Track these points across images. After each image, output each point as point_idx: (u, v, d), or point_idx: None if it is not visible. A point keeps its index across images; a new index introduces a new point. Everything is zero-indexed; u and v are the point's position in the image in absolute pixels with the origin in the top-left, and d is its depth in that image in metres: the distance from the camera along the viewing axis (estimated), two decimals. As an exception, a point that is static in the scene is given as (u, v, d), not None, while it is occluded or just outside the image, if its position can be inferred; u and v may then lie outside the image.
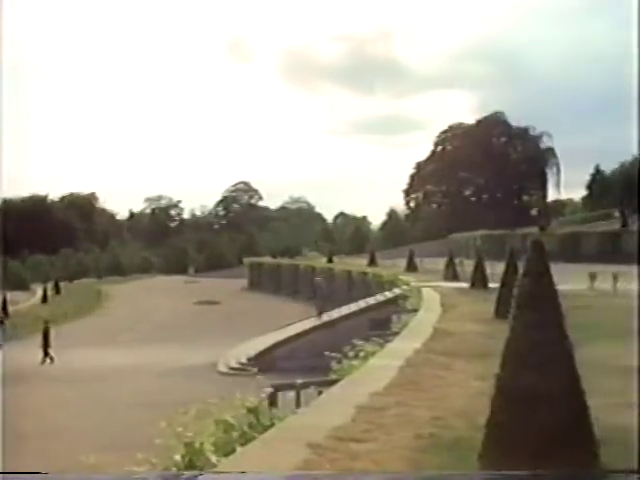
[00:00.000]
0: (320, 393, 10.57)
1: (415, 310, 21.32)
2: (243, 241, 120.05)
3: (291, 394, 13.28)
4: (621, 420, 7.74)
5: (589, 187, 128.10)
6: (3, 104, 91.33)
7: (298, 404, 12.79)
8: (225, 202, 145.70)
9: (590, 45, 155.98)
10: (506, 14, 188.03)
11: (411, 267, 51.31)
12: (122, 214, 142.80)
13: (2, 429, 7.78)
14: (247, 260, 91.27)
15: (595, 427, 5.83)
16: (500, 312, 16.07)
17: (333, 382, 11.00)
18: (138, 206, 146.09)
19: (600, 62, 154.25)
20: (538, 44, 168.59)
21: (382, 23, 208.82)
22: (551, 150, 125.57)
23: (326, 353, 14.09)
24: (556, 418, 5.55)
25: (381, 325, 19.92)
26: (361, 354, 12.68)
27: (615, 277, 28.68)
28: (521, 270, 6.64)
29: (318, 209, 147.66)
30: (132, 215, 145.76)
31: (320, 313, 38.78)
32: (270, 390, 12.16)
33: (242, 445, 7.20)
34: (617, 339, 14.77)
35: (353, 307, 38.88)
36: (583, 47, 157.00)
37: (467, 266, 36.57)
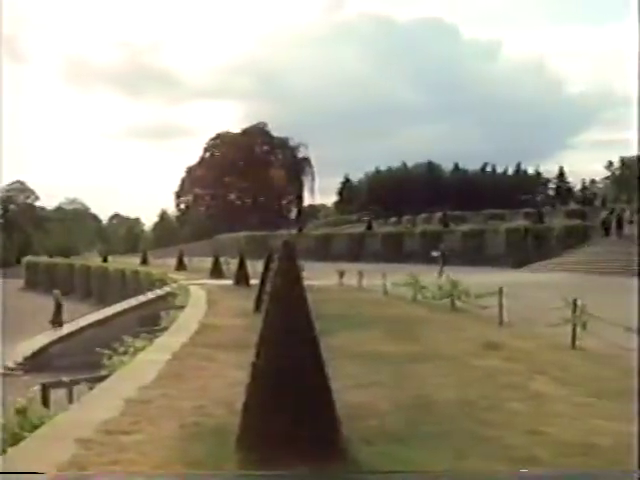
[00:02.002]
0: (91, 389, 10.33)
1: (183, 306, 21.27)
2: (21, 241, 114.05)
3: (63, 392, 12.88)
4: (358, 398, 8.20)
5: (340, 194, 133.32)
6: None
7: (70, 401, 12.44)
8: (1, 202, 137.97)
9: (340, 68, 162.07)
10: (270, 34, 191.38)
11: (180, 266, 51.06)
12: None
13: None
14: (24, 260, 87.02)
15: (337, 405, 6.11)
16: (259, 307, 16.38)
17: (103, 378, 10.78)
18: None
19: (348, 83, 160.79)
20: (298, 64, 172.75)
21: (156, 34, 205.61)
22: (307, 159, 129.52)
23: (97, 350, 13.80)
24: (303, 400, 5.78)
25: (151, 321, 19.65)
26: (130, 350, 12.53)
27: (360, 274, 29.96)
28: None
29: (94, 210, 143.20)
30: None
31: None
32: (38, 389, 11.73)
33: (12, 446, 6.89)
34: (360, 328, 15.48)
35: (125, 305, 38.16)
36: (334, 69, 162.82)
37: (232, 265, 36.92)
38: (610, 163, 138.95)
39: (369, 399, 8.35)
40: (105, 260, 68.94)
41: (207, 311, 19.48)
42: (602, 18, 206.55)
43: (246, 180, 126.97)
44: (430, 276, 24.98)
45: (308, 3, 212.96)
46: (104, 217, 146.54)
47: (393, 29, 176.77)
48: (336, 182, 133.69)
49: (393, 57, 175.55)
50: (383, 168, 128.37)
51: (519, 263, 45.00)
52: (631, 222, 45.78)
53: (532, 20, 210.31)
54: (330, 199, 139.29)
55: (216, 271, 39.85)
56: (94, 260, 72.43)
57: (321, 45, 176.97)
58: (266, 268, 20.16)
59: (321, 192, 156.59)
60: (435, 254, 44.28)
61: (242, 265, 31.47)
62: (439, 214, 67.78)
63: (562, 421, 7.52)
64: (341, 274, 32.21)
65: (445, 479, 5.34)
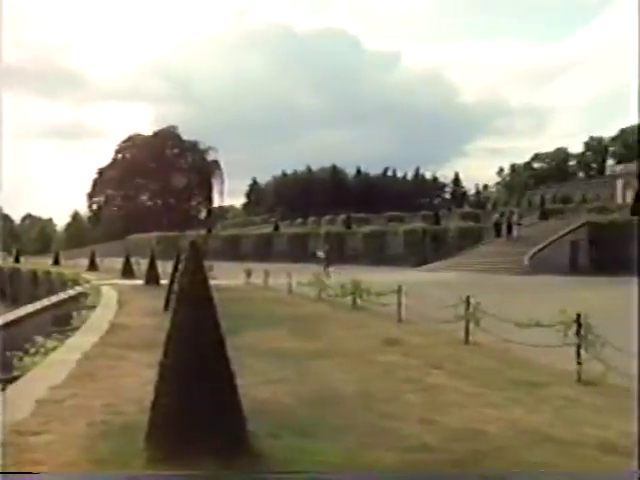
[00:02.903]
0: (3, 390, 10.09)
1: (94, 306, 20.92)
2: None
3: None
4: (264, 394, 8.31)
5: (248, 196, 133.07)
6: None
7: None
8: None
9: (248, 75, 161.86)
10: (181, 39, 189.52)
11: (92, 266, 50.12)
12: None
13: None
14: None
15: (244, 402, 6.19)
16: (168, 306, 16.29)
17: (15, 379, 10.53)
18: None
19: (256, 89, 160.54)
20: (208, 70, 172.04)
21: (67, 34, 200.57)
22: (216, 162, 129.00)
23: (8, 353, 13.48)
24: (210, 398, 5.82)
25: (64, 321, 19.23)
26: (42, 350, 12.28)
27: (266, 273, 30.05)
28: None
29: (6, 210, 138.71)
30: None
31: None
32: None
33: None
34: (266, 326, 15.58)
35: (38, 305, 37.16)
36: (243, 76, 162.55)
37: (143, 265, 36.45)
38: (501, 169, 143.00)
39: (275, 395, 8.46)
40: (17, 260, 67.03)
41: (118, 311, 19.21)
42: (494, 34, 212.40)
43: (157, 182, 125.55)
44: (332, 274, 25.22)
45: (219, 10, 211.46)
46: (16, 217, 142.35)
47: (299, 38, 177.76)
48: (244, 184, 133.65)
49: (298, 65, 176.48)
50: (289, 171, 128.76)
51: (418, 263, 45.87)
52: (519, 224, 47.32)
53: (430, 34, 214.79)
54: (239, 201, 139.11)
55: (127, 271, 39.35)
56: (6, 260, 70.19)
57: (231, 52, 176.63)
58: (175, 268, 20.05)
59: (230, 194, 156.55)
60: (320, 254, 44.80)
61: (153, 265, 31.16)
62: (343, 216, 68.52)
63: (454, 410, 7.79)
64: (248, 273, 32.25)
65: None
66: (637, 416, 6.36)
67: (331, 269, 37.02)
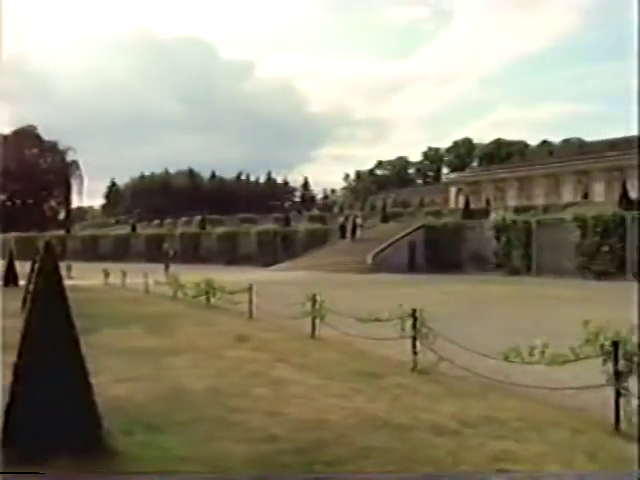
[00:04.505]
0: None
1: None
2: None
3: None
4: (118, 392, 8.11)
5: (107, 197, 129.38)
6: None
7: None
8: None
9: (109, 78, 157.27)
10: (41, 38, 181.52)
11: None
12: None
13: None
14: None
15: (98, 400, 6.01)
16: (25, 307, 15.57)
17: None
18: None
19: (116, 92, 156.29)
20: (69, 71, 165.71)
21: None
22: (76, 163, 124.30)
23: None
24: (65, 398, 5.62)
25: None
26: None
27: (124, 273, 29.31)
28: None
29: None
30: None
31: None
32: None
33: None
34: (122, 325, 15.20)
35: None
36: (104, 79, 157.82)
37: (2, 265, 34.63)
38: (347, 175, 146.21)
39: (129, 392, 8.26)
40: None
41: (-28, 312, 18.13)
42: (344, 48, 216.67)
43: (16, 182, 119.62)
44: (188, 274, 24.90)
45: (82, 12, 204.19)
46: None
47: (160, 44, 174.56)
48: (103, 186, 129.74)
49: (157, 70, 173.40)
50: (147, 174, 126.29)
51: (269, 262, 46.12)
52: (362, 226, 48.48)
53: (283, 46, 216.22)
54: (97, 202, 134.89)
55: (-17, 272, 37.29)
56: None
57: (92, 54, 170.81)
58: (32, 269, 19.20)
59: (89, 195, 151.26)
60: (170, 252, 44.42)
61: (11, 266, 29.71)
62: (198, 217, 67.87)
63: (299, 402, 7.87)
64: (106, 274, 31.34)
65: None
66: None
67: (170, 270, 36.42)
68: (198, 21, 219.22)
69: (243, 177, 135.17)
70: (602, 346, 6.76)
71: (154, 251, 55.14)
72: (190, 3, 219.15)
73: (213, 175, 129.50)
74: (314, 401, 7.91)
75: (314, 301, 13.55)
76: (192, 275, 23.78)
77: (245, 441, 6.25)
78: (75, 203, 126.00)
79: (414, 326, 9.91)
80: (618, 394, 6.67)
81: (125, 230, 70.75)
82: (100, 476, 5.39)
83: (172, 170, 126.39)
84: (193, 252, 55.82)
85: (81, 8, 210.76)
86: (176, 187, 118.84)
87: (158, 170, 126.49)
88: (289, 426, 6.78)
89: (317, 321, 13.39)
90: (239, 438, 6.35)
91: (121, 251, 61.95)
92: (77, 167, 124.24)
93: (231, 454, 5.90)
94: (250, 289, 17.14)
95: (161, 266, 39.27)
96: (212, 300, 19.67)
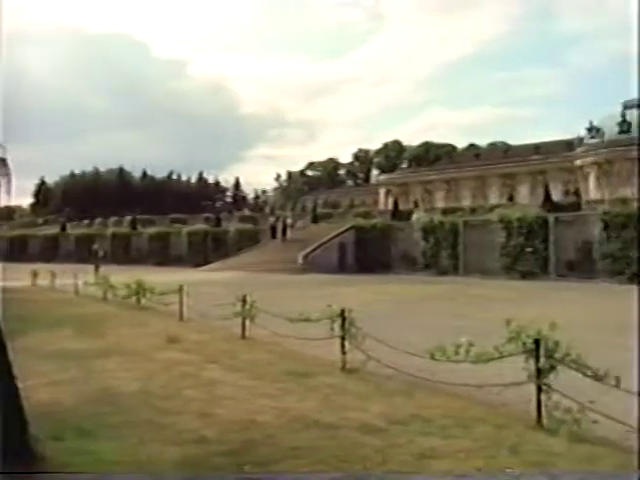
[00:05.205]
0: None
1: None
2: None
3: None
4: (47, 396, 7.94)
5: (36, 195, 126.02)
6: None
7: None
8: None
9: (37, 74, 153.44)
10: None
11: None
12: None
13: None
14: None
15: (26, 405, 5.87)
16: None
17: None
18: None
19: (45, 88, 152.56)
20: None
21: None
22: (3, 160, 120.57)
23: None
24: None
25: None
26: None
27: (53, 274, 28.68)
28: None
29: None
30: None
31: None
32: None
33: None
34: (51, 327, 14.86)
35: None
36: (32, 74, 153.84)
37: None
38: (278, 176, 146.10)
39: (58, 396, 8.09)
40: None
41: None
42: (277, 49, 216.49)
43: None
44: (118, 275, 24.49)
45: (6, 5, 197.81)
46: None
47: (91, 40, 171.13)
48: (32, 184, 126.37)
49: (87, 67, 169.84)
50: (77, 172, 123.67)
51: (200, 263, 45.76)
52: (292, 227, 48.55)
53: (215, 45, 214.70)
54: (26, 200, 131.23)
55: None
56: None
57: (20, 50, 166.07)
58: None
59: (18, 194, 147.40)
60: (100, 252, 43.86)
61: None
62: (129, 217, 66.78)
63: (230, 403, 7.83)
64: (35, 275, 30.58)
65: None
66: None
67: (101, 270, 35.86)
68: (130, 18, 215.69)
69: (174, 176, 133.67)
70: (524, 344, 6.92)
71: (84, 251, 54.07)
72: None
73: (144, 174, 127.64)
74: (244, 402, 7.89)
75: (244, 302, 13.51)
76: (123, 276, 23.40)
77: (176, 444, 6.19)
78: (3, 202, 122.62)
79: (343, 326, 9.97)
80: (540, 390, 6.84)
81: (54, 230, 69.14)
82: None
83: (102, 169, 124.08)
84: (124, 252, 54.96)
85: (8, 3, 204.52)
86: (107, 186, 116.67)
87: (88, 168, 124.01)
88: (219, 427, 6.75)
89: (248, 322, 13.35)
90: (170, 441, 6.29)
91: (50, 251, 60.58)
92: (5, 164, 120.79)
93: (162, 457, 5.84)
94: (181, 290, 16.97)
95: (91, 267, 38.54)
96: (143, 301, 19.40)
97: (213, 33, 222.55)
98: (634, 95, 71.05)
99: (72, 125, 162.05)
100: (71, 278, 26.07)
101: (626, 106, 70.76)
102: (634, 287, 24.85)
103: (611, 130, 69.38)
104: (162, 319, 16.58)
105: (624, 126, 68.80)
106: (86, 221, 78.86)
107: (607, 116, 72.33)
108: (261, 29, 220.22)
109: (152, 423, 6.92)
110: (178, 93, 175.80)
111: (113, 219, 73.68)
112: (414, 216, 45.35)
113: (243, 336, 13.25)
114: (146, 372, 9.76)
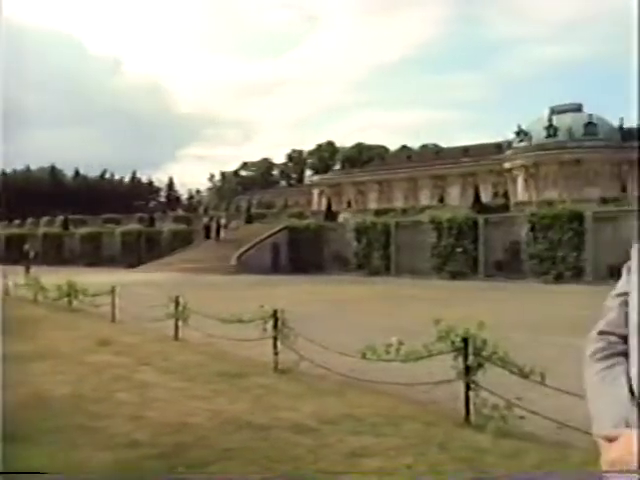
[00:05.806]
0: None
1: None
2: None
3: None
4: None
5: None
6: None
7: None
8: None
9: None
10: None
11: None
12: None
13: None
14: None
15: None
16: None
17: None
18: None
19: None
20: None
21: None
22: None
23: None
24: None
25: None
26: None
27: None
28: None
29: None
30: None
31: None
32: None
33: None
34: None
35: None
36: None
37: None
38: (212, 176, 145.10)
39: None
40: None
41: None
42: (215, 49, 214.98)
43: None
44: (49, 276, 23.92)
45: None
46: None
47: (25, 36, 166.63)
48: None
49: (21, 63, 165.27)
50: (8, 171, 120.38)
51: (133, 264, 45.11)
52: (226, 227, 48.31)
53: (151, 44, 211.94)
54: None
55: None
56: None
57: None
58: None
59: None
60: (31, 253, 42.97)
61: None
62: (61, 217, 65.28)
63: (161, 405, 7.76)
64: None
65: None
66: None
67: (32, 271, 35.04)
68: (64, 14, 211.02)
69: (107, 176, 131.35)
70: (453, 343, 7.05)
71: (15, 252, 52.61)
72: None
73: (77, 173, 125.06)
74: (176, 404, 7.83)
75: (177, 303, 13.38)
76: (54, 277, 22.87)
77: (108, 447, 6.10)
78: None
79: (275, 326, 9.98)
80: (468, 388, 6.98)
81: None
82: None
83: (34, 167, 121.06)
84: (55, 253, 53.75)
85: None
86: (38, 185, 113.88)
87: (19, 167, 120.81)
88: (151, 430, 6.68)
89: (180, 323, 13.23)
90: (101, 445, 6.19)
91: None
92: None
93: (93, 461, 5.74)
94: (113, 291, 16.71)
95: (22, 268, 37.55)
96: (74, 303, 19.00)
97: (149, 32, 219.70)
98: (561, 100, 73.00)
99: (2, 123, 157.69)
100: (0, 279, 25.35)
101: (553, 111, 72.85)
102: (559, 287, 25.61)
103: (539, 134, 71.32)
104: (94, 321, 16.28)
105: (551, 130, 70.82)
106: (17, 221, 76.73)
107: (535, 120, 74.33)
108: (197, 29, 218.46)
109: (83, 427, 6.81)
110: (113, 91, 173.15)
111: (45, 219, 71.87)
112: (341, 216, 45.65)
113: (176, 338, 13.13)
114: (77, 375, 9.58)
